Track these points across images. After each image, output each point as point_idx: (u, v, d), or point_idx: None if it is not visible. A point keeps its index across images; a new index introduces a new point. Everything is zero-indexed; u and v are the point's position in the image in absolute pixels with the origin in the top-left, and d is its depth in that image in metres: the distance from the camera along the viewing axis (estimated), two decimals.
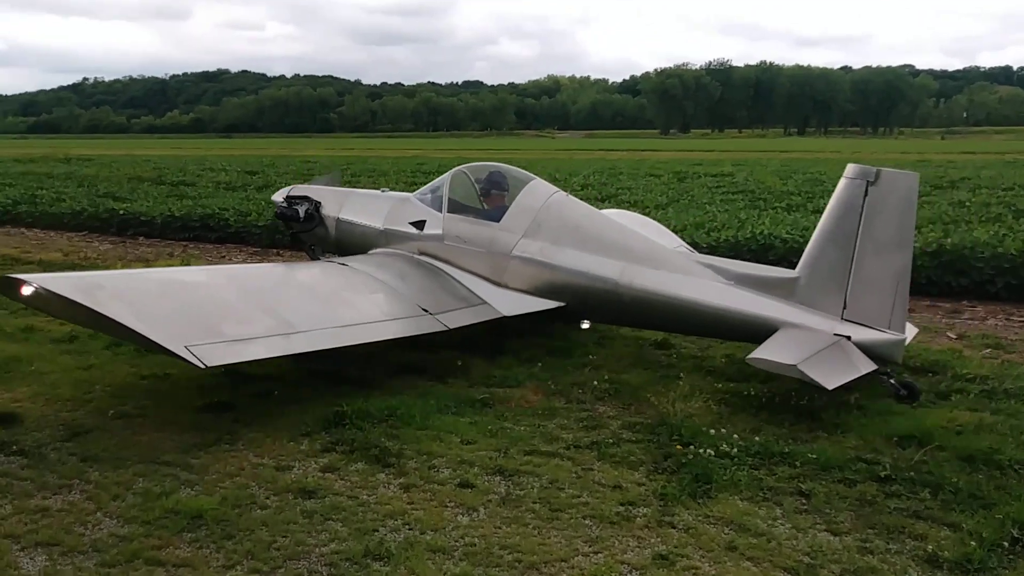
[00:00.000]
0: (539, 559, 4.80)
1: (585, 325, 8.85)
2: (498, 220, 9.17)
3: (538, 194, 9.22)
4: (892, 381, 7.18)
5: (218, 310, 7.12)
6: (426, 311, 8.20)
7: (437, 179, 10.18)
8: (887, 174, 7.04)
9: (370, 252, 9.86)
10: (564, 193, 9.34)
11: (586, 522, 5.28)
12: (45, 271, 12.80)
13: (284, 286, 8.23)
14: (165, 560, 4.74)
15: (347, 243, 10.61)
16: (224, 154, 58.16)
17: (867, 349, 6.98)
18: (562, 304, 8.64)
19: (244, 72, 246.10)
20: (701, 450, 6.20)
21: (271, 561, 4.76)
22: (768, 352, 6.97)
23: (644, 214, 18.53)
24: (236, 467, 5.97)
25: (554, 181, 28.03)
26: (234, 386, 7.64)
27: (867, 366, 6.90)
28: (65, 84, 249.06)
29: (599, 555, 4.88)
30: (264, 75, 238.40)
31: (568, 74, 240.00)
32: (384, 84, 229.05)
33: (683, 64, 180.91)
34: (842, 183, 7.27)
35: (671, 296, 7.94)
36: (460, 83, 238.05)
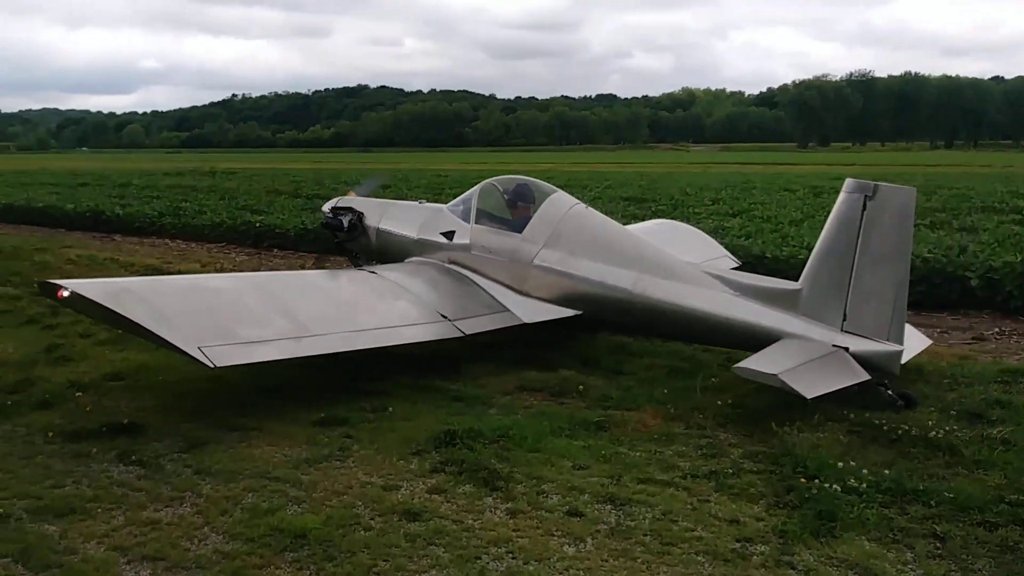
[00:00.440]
0: None
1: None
2: (521, 231, 9.54)
3: (559, 206, 9.58)
4: (889, 392, 7.33)
5: (235, 313, 7.54)
6: (444, 317, 8.56)
7: (469, 191, 10.60)
8: (884, 189, 7.22)
9: (406, 261, 10.31)
10: (583, 205, 9.70)
11: (699, 558, 4.96)
12: None
13: (306, 292, 8.53)
14: None
15: (387, 252, 11.05)
16: (359, 168, 59.58)
17: (865, 360, 7.10)
18: (579, 312, 8.99)
19: (383, 87, 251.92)
20: (827, 484, 5.77)
21: None
22: (754, 362, 7.10)
23: (775, 231, 18.00)
24: (344, 485, 5.92)
25: (684, 197, 28.07)
26: (350, 400, 7.64)
27: (857, 376, 7.02)
28: (216, 100, 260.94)
29: None
30: (402, 90, 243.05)
31: (703, 87, 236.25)
32: (518, 98, 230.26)
33: (822, 76, 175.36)
34: (841, 197, 7.45)
35: (681, 306, 8.24)
36: (593, 96, 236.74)
